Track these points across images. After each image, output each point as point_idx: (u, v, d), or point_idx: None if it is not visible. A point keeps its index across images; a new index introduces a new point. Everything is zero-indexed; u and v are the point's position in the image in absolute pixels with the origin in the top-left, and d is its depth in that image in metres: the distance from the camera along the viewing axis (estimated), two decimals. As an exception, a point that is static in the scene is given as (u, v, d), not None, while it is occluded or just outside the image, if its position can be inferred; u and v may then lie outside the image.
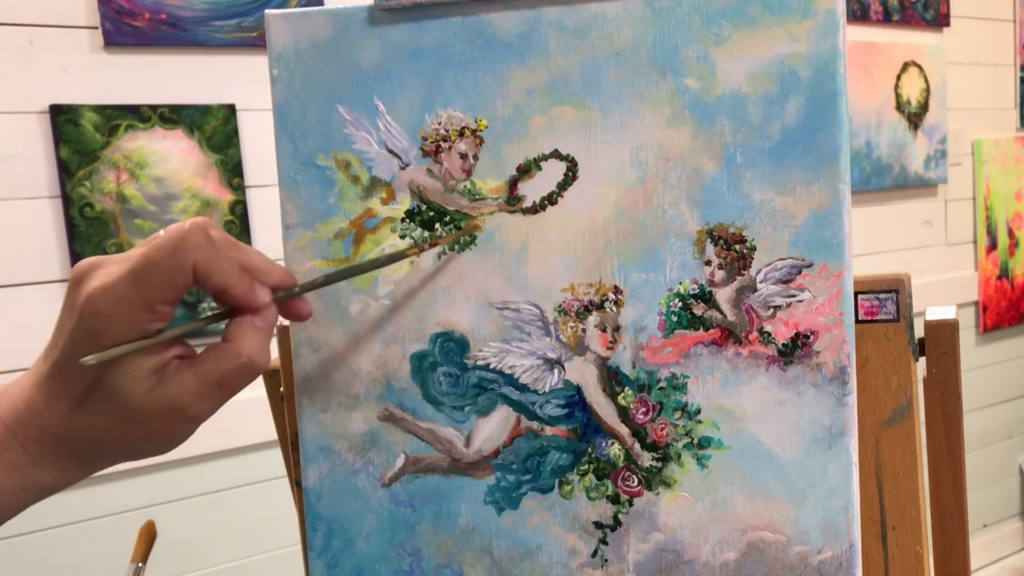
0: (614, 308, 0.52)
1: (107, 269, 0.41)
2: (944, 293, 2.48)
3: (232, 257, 0.43)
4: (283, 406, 0.67)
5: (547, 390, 0.53)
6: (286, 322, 0.60)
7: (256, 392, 0.70)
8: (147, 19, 1.41)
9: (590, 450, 0.53)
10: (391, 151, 0.55)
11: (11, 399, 0.43)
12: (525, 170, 0.53)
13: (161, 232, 0.42)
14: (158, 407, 0.42)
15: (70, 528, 1.47)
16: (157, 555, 1.09)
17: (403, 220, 0.55)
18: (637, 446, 0.53)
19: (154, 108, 1.42)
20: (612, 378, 0.53)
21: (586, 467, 0.53)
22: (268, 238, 1.54)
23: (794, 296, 0.50)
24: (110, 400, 0.42)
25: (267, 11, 0.55)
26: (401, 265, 0.55)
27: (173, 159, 1.44)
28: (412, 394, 0.55)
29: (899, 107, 2.34)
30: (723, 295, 0.51)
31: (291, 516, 0.73)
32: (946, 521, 0.64)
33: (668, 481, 0.52)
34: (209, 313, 0.46)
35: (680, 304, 0.52)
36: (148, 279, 0.41)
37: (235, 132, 1.49)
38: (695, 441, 0.52)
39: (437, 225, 0.54)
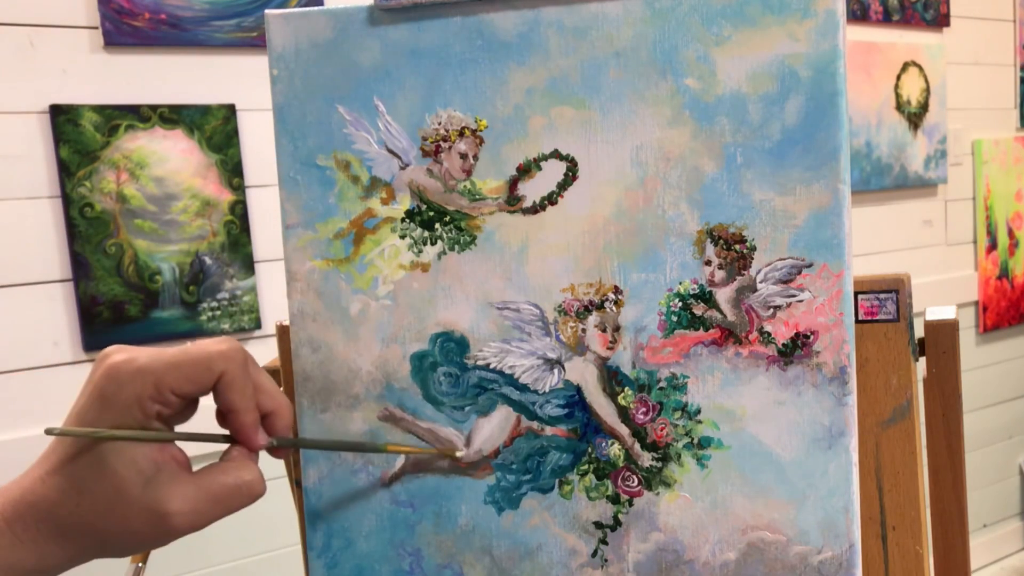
0: (614, 308, 0.52)
1: (138, 349, 0.43)
2: (944, 293, 2.48)
3: (254, 383, 0.45)
4: (283, 406, 0.67)
5: (547, 390, 0.53)
6: (286, 321, 0.60)
7: (256, 392, 0.70)
8: (147, 19, 1.41)
9: (590, 450, 0.53)
10: (391, 151, 0.55)
11: (15, 491, 0.43)
12: (525, 170, 0.53)
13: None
14: (147, 502, 0.42)
15: (70, 528, 1.47)
16: (157, 555, 1.09)
17: (403, 220, 0.55)
18: (637, 446, 0.53)
19: (154, 108, 1.42)
20: (612, 378, 0.53)
21: (586, 467, 0.53)
22: (268, 238, 1.54)
23: (794, 296, 0.50)
24: (105, 481, 0.41)
25: (267, 11, 0.55)
26: (401, 265, 0.55)
27: (173, 159, 1.44)
28: (412, 394, 0.55)
29: (899, 107, 2.34)
30: (723, 295, 0.51)
31: (291, 516, 0.73)
32: (946, 521, 0.64)
33: (668, 481, 0.52)
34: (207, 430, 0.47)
35: (680, 304, 0.52)
36: (175, 366, 0.42)
37: (235, 132, 1.49)
38: (695, 441, 0.52)
39: (437, 225, 0.54)
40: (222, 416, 0.46)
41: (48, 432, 0.40)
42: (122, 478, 0.41)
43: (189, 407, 0.45)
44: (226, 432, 0.46)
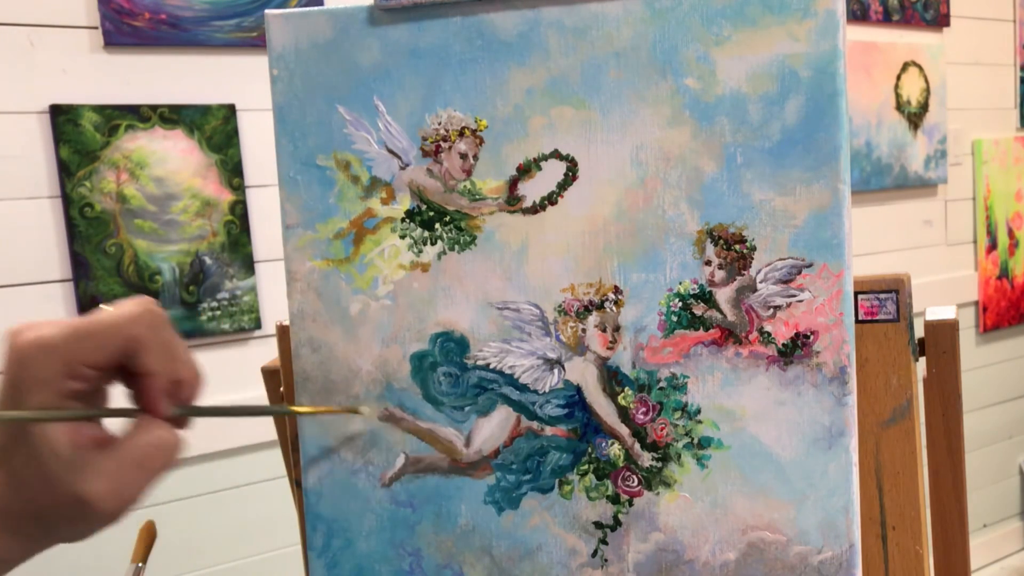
0: (614, 308, 0.52)
1: (46, 323, 0.40)
2: (944, 293, 2.48)
3: (168, 346, 0.42)
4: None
5: (547, 390, 0.53)
6: (286, 321, 0.60)
7: (256, 392, 0.70)
8: (147, 19, 1.41)
9: (590, 450, 0.53)
10: (391, 151, 0.55)
11: None
12: (525, 170, 0.53)
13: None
14: (69, 487, 0.40)
15: (70, 528, 1.47)
16: (157, 555, 1.09)
17: (403, 220, 0.55)
18: (637, 446, 0.53)
19: (154, 108, 1.42)
20: (612, 378, 0.53)
21: (586, 467, 0.53)
22: (268, 238, 1.54)
23: (794, 296, 0.50)
24: (33, 468, 0.40)
25: (267, 11, 0.55)
26: (401, 265, 0.55)
27: (173, 159, 1.44)
28: (412, 394, 0.55)
29: (899, 107, 2.34)
30: (723, 295, 0.51)
31: (291, 516, 0.73)
32: (946, 521, 0.64)
33: (668, 481, 0.52)
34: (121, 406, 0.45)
35: (680, 304, 0.52)
36: (84, 335, 0.40)
37: (235, 132, 1.49)
38: (695, 441, 0.52)
39: (437, 225, 0.54)
40: (131, 387, 0.44)
41: None
42: (46, 464, 0.40)
43: (109, 378, 0.43)
44: (133, 407, 0.44)
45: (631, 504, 0.53)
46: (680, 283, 0.52)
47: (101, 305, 0.42)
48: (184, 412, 0.45)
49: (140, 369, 0.42)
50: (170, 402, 0.44)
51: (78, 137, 1.36)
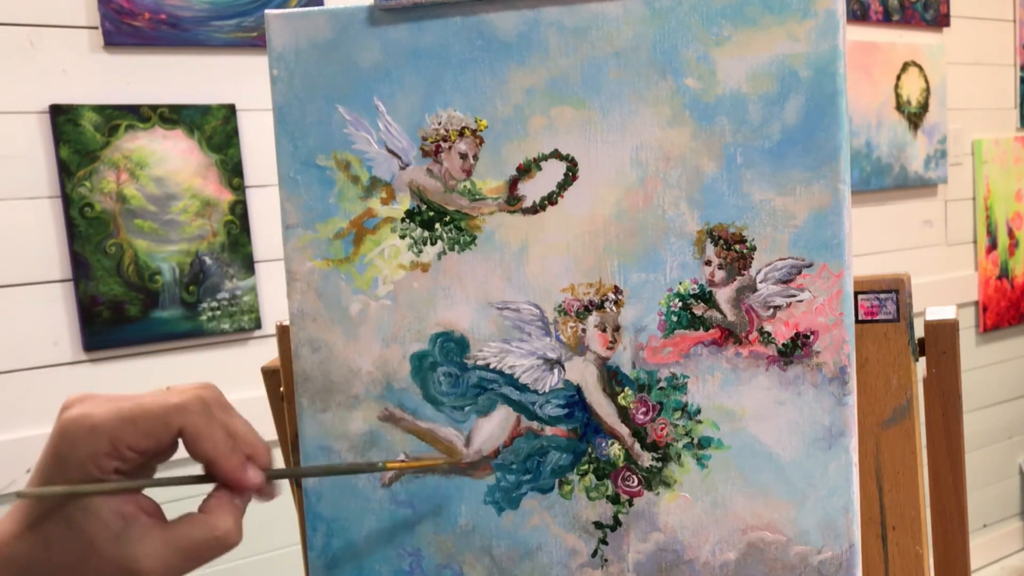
0: (614, 308, 0.52)
1: (96, 400, 0.41)
2: (944, 293, 2.48)
3: (224, 424, 0.43)
4: (283, 406, 0.67)
5: (547, 390, 0.53)
6: (286, 321, 0.60)
7: (256, 392, 0.70)
8: (147, 19, 1.41)
9: (590, 450, 0.53)
10: (391, 151, 0.55)
11: None
12: (525, 170, 0.53)
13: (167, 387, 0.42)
14: (117, 559, 0.41)
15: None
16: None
17: (403, 220, 0.55)
18: (637, 446, 0.53)
19: (154, 108, 1.42)
20: (612, 378, 0.53)
21: (586, 467, 0.53)
22: (268, 238, 1.54)
23: (794, 296, 0.50)
24: (75, 538, 0.41)
25: (267, 11, 0.55)
26: (401, 265, 0.55)
27: (173, 159, 1.44)
28: (412, 394, 0.55)
29: (899, 107, 2.34)
30: (723, 295, 0.51)
31: (291, 516, 0.73)
32: (946, 521, 0.64)
33: (668, 481, 0.52)
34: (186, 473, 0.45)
35: (680, 304, 0.52)
36: (131, 420, 0.40)
37: (235, 132, 1.49)
38: (695, 441, 0.52)
39: (437, 225, 0.54)
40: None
41: (19, 495, 0.39)
42: (90, 535, 0.40)
43: (157, 456, 0.44)
44: (201, 474, 0.44)
45: (631, 504, 0.53)
46: (680, 283, 0.52)
47: (168, 387, 0.43)
48: (273, 476, 0.45)
49: (199, 457, 0.43)
50: (256, 469, 0.44)
51: (78, 137, 1.36)
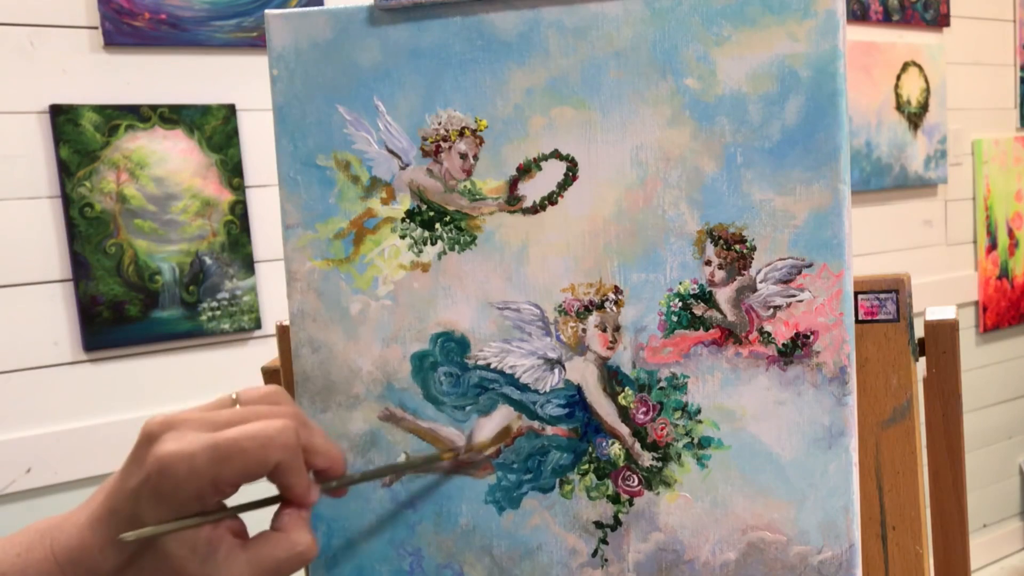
0: (614, 308, 0.52)
1: (186, 435, 0.41)
2: (944, 293, 2.48)
3: (307, 448, 0.44)
4: (283, 406, 0.67)
5: (548, 390, 0.53)
6: (286, 321, 0.60)
7: (256, 392, 0.70)
8: (147, 19, 1.41)
9: (590, 450, 0.53)
10: (391, 151, 0.55)
11: (66, 535, 0.43)
12: (525, 170, 0.53)
13: (250, 414, 0.43)
14: None
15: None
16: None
17: (403, 220, 0.55)
18: (637, 446, 0.53)
19: (154, 108, 1.42)
20: (612, 378, 0.53)
21: (586, 467, 0.53)
22: (268, 238, 1.54)
23: (794, 296, 0.50)
24: (161, 562, 0.42)
25: (267, 11, 0.55)
26: (401, 265, 0.55)
27: (173, 159, 1.44)
28: (413, 394, 0.55)
29: (899, 107, 2.34)
30: (723, 295, 0.51)
31: (291, 516, 0.73)
32: (946, 521, 0.64)
33: (668, 481, 0.52)
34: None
35: (680, 304, 0.52)
36: (229, 462, 0.41)
37: (235, 132, 1.49)
38: (695, 441, 0.52)
39: (437, 225, 0.54)
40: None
41: (123, 539, 0.40)
42: (179, 560, 0.42)
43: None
44: (274, 495, 0.46)
45: (631, 504, 0.53)
46: (680, 283, 0.52)
47: (234, 394, 0.44)
48: (326, 488, 0.47)
49: (284, 487, 0.44)
50: (316, 488, 0.46)
51: (78, 137, 1.36)
